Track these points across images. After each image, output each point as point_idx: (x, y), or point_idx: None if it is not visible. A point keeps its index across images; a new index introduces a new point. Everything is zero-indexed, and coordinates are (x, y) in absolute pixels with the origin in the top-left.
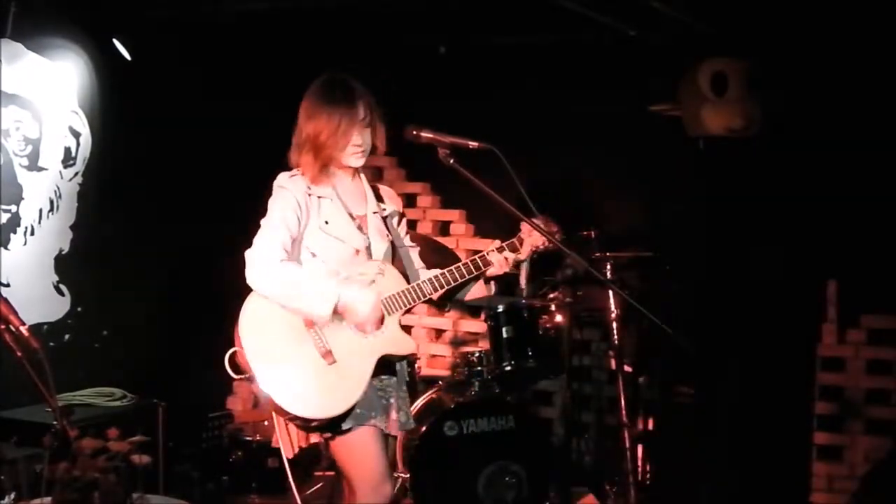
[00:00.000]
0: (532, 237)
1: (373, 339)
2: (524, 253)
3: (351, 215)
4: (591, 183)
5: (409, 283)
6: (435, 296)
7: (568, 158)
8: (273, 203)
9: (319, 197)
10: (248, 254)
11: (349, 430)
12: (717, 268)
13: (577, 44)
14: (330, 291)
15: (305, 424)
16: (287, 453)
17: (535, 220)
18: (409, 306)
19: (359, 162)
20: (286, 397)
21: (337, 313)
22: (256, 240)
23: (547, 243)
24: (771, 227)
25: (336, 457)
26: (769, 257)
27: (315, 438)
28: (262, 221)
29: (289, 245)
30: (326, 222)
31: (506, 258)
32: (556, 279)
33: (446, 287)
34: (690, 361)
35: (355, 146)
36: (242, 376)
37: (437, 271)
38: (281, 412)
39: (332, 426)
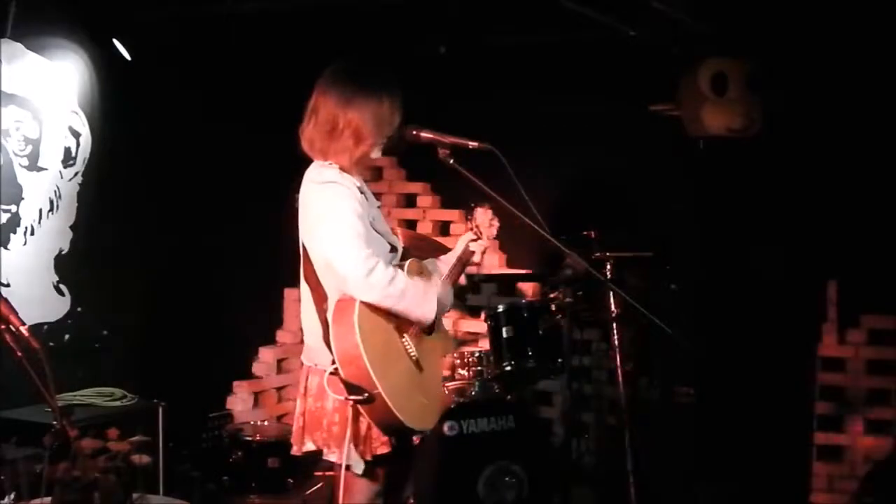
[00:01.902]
0: (481, 222)
1: (436, 338)
2: (484, 238)
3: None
4: (592, 183)
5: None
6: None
7: (568, 158)
8: (335, 201)
9: (362, 193)
10: (345, 264)
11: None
12: (717, 268)
13: (577, 44)
14: (430, 294)
15: (411, 435)
16: (357, 468)
17: (480, 211)
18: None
19: (379, 153)
20: (406, 412)
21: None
22: (344, 246)
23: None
24: (771, 227)
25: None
26: (769, 257)
27: (384, 450)
28: (332, 224)
29: (368, 239)
30: (373, 219)
31: (483, 246)
32: (556, 279)
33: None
34: (690, 361)
35: (385, 137)
36: (359, 396)
37: (440, 264)
38: (392, 426)
39: (406, 435)
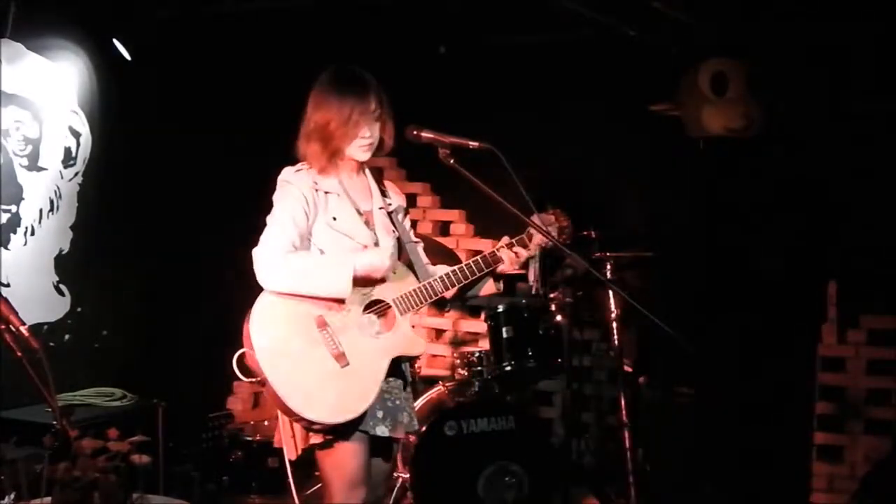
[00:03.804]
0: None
1: (384, 339)
2: (532, 248)
3: (358, 211)
4: (592, 183)
5: (417, 279)
6: (448, 294)
7: (568, 158)
8: (278, 199)
9: (326, 192)
10: (256, 252)
11: (349, 433)
12: (717, 268)
13: (577, 44)
14: (344, 263)
15: (310, 426)
16: (290, 455)
17: (540, 216)
18: (421, 305)
19: (365, 155)
20: (298, 400)
21: (357, 282)
22: (263, 237)
23: (559, 237)
24: (771, 227)
25: (318, 456)
26: (769, 257)
27: (316, 440)
28: (268, 218)
29: (297, 241)
30: (334, 218)
31: (516, 254)
32: (556, 279)
33: (457, 285)
34: (690, 361)
35: (363, 138)
36: (253, 380)
37: (445, 268)
38: (290, 415)
39: (335, 429)
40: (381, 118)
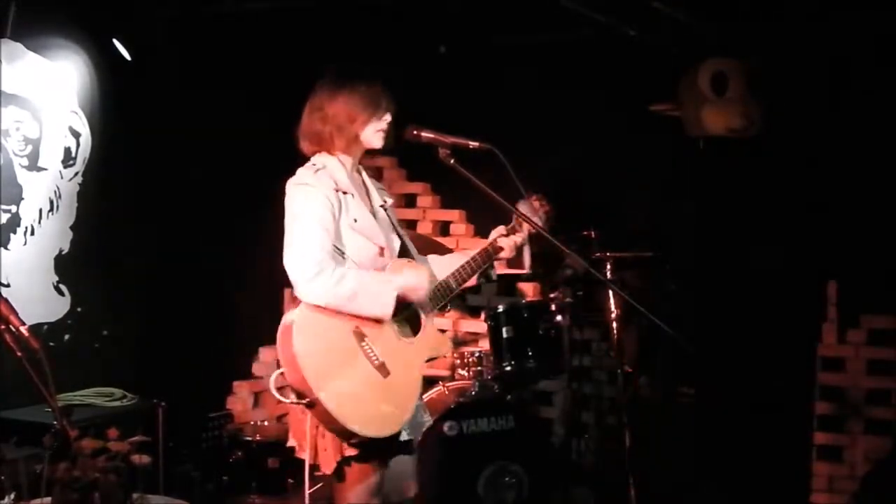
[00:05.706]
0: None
1: (417, 343)
2: (525, 233)
3: (371, 212)
4: (592, 182)
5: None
6: (462, 287)
7: (568, 158)
8: (300, 203)
9: (345, 193)
10: (293, 265)
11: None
12: (718, 268)
13: (577, 44)
14: (386, 293)
15: (352, 440)
16: (327, 469)
17: (524, 203)
18: (442, 303)
19: (381, 143)
20: (351, 418)
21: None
22: (295, 248)
23: (544, 223)
24: (771, 227)
25: (345, 467)
26: (769, 257)
27: (351, 452)
28: (292, 225)
29: (329, 246)
30: (355, 220)
31: (514, 241)
32: (556, 279)
33: (468, 279)
34: (690, 361)
35: (381, 121)
36: (299, 401)
37: (437, 257)
38: (341, 432)
39: (376, 441)
40: (389, 107)
